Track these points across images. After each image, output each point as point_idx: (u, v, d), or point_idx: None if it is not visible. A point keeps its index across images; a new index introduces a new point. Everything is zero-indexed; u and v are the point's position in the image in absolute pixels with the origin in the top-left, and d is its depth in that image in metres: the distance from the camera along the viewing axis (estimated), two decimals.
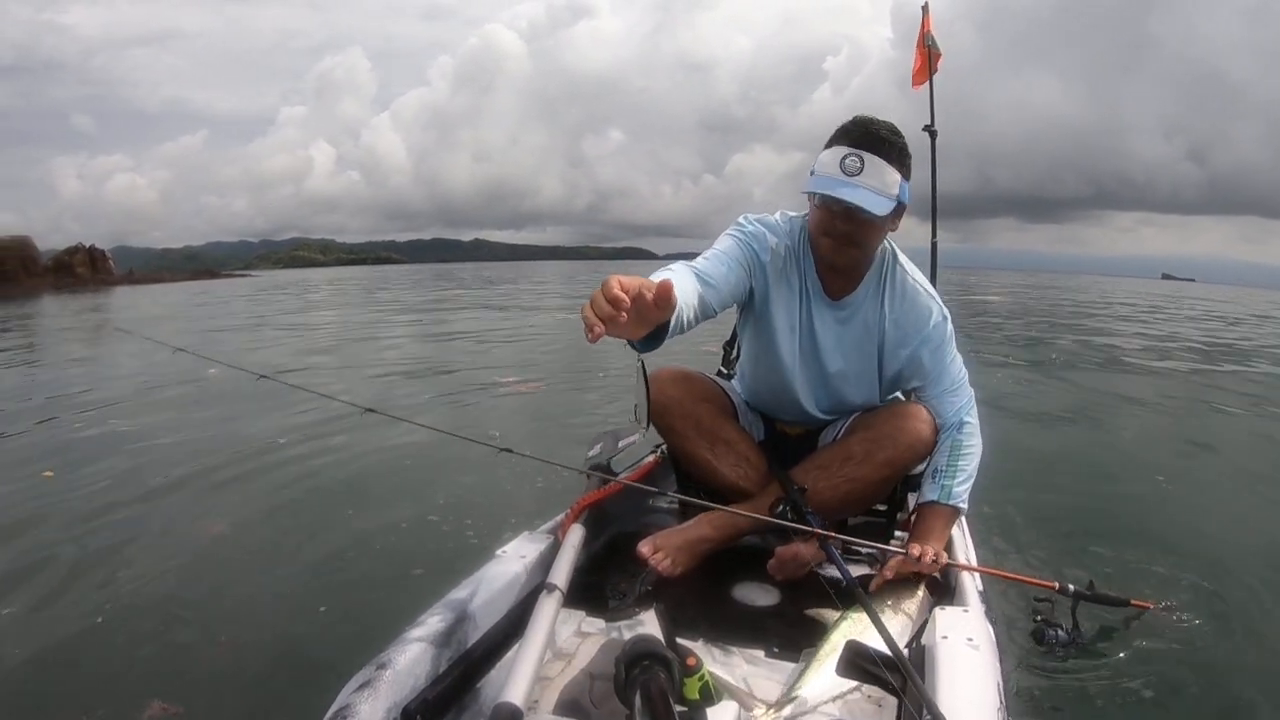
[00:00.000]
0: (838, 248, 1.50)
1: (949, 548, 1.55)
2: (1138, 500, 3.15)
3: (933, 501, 1.55)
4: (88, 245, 54.77)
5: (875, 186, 1.41)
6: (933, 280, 2.35)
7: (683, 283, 1.33)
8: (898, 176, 1.44)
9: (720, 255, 1.54)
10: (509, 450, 1.69)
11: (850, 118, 1.47)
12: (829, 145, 1.45)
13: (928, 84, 2.95)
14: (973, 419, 1.62)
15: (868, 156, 1.40)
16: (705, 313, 1.46)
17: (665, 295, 1.00)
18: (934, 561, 1.43)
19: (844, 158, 1.41)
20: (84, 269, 52.72)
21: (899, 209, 1.48)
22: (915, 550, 1.43)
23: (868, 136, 1.42)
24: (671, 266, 1.46)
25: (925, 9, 2.94)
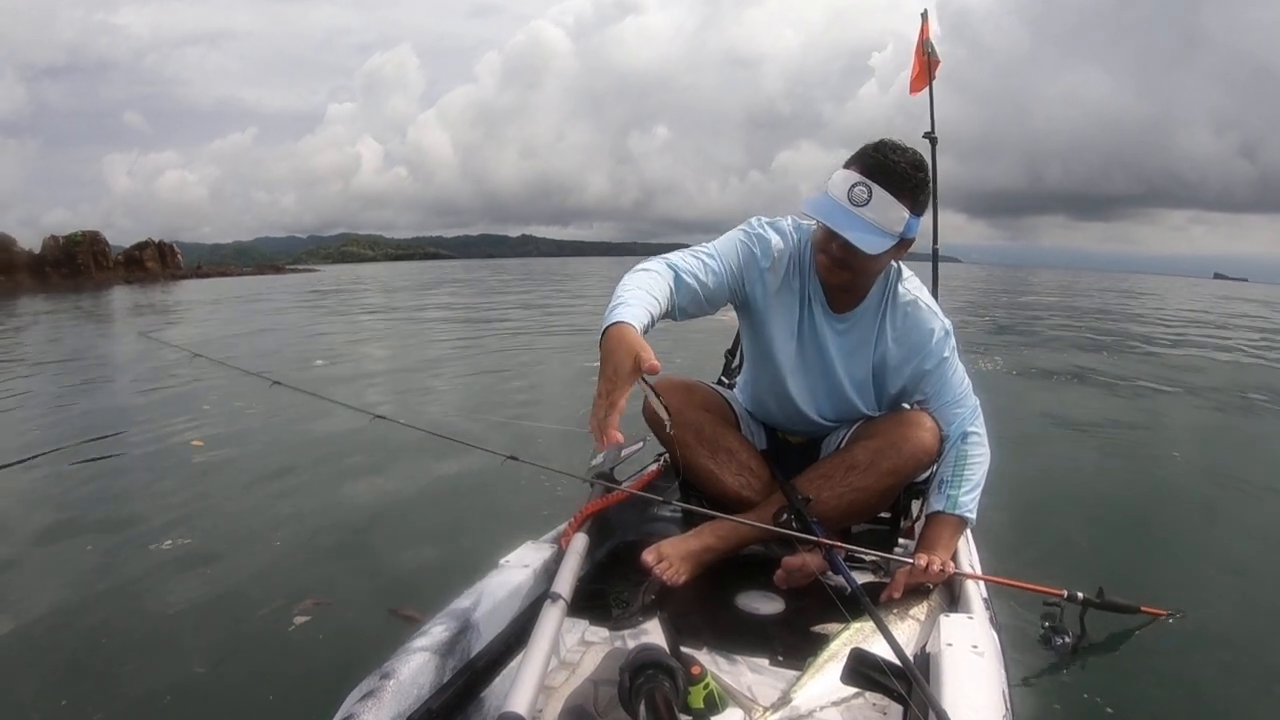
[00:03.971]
0: (831, 267, 1.49)
1: (954, 555, 1.55)
2: (1156, 507, 3.13)
3: (939, 512, 1.54)
4: (156, 240, 57.77)
5: (876, 222, 1.38)
6: (934, 291, 2.35)
7: (652, 302, 1.35)
8: (905, 214, 1.40)
9: (716, 259, 1.53)
10: (514, 458, 1.70)
11: (878, 140, 1.42)
12: (847, 164, 1.42)
13: (927, 91, 2.96)
14: (978, 429, 1.61)
15: (877, 189, 1.36)
16: (675, 317, 1.49)
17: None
18: (941, 571, 1.43)
19: (853, 185, 1.38)
20: (153, 263, 55.31)
21: (903, 243, 1.46)
22: (922, 560, 1.43)
23: (883, 167, 1.38)
24: (658, 267, 1.47)
25: (924, 16, 2.97)
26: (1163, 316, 16.55)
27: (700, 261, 1.51)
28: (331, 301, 19.64)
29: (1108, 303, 21.87)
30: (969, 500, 1.54)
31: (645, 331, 1.28)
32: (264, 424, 4.56)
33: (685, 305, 1.48)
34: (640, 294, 1.34)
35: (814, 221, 1.59)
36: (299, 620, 2.06)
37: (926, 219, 1.49)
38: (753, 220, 1.62)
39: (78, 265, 47.73)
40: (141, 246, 55.94)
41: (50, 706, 1.70)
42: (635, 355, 1.18)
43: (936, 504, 1.56)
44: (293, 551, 2.59)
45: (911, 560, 1.45)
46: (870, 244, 1.38)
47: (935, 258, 2.92)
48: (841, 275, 1.50)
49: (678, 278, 1.46)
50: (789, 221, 1.63)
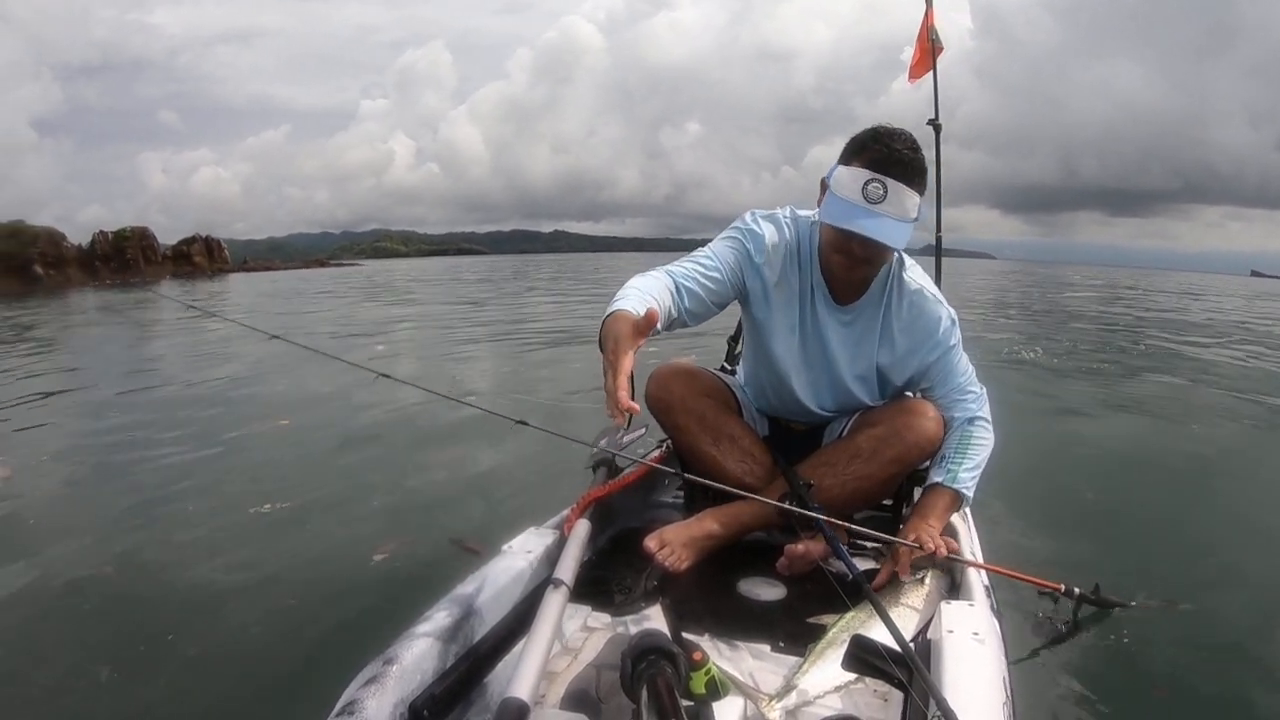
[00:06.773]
0: (851, 266, 1.49)
1: (955, 538, 1.55)
2: (1156, 503, 3.11)
3: (938, 483, 1.55)
4: (204, 235, 59.64)
5: (897, 214, 1.37)
6: (937, 279, 2.34)
7: (650, 300, 1.35)
8: (917, 199, 1.39)
9: (713, 259, 1.54)
10: (524, 423, 1.69)
11: (870, 129, 1.40)
12: (847, 161, 1.40)
13: (931, 77, 2.95)
14: (985, 414, 1.61)
15: (890, 183, 1.35)
16: (687, 322, 1.49)
17: (650, 325, 1.19)
18: (939, 545, 1.43)
19: (866, 183, 1.36)
20: (201, 258, 56.75)
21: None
22: (922, 538, 1.43)
23: (890, 159, 1.36)
24: (654, 273, 1.47)
25: (929, 1, 2.95)
26: (1199, 312, 16.40)
27: (698, 265, 1.51)
28: (386, 294, 21.20)
29: (1141, 298, 21.66)
30: (968, 477, 1.55)
31: (650, 322, 1.26)
32: (341, 402, 4.90)
33: (692, 308, 1.48)
34: (635, 293, 1.35)
35: (814, 214, 1.58)
36: (378, 558, 2.44)
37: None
38: (745, 215, 1.61)
39: (126, 260, 48.66)
40: (189, 241, 57.38)
41: (163, 634, 1.99)
42: (631, 322, 1.19)
43: (936, 476, 1.56)
44: (371, 507, 2.97)
45: (909, 542, 1.44)
46: (896, 238, 1.37)
47: (938, 246, 2.91)
48: (862, 272, 1.51)
49: (676, 284, 1.46)
50: (785, 212, 1.61)
